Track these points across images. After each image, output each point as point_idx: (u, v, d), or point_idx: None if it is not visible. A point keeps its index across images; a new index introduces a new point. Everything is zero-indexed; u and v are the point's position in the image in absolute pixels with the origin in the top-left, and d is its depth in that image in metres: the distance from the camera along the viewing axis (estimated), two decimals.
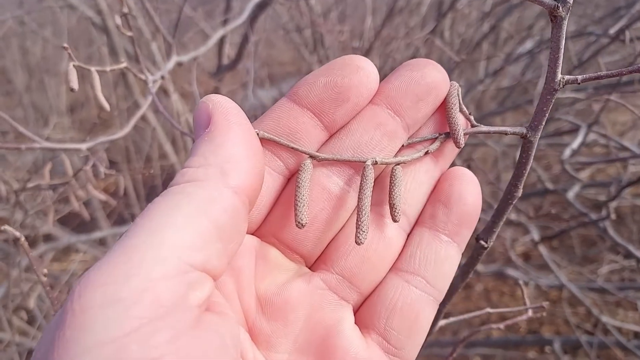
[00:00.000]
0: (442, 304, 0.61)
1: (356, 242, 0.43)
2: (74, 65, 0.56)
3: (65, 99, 3.52)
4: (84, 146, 0.76)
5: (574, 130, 1.66)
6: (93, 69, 0.59)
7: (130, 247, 0.32)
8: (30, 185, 0.87)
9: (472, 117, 0.48)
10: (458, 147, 0.47)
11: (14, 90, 3.83)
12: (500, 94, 2.67)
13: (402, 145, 0.47)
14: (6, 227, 0.53)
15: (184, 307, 0.32)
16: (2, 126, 3.13)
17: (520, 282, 0.75)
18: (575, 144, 1.36)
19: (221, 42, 1.79)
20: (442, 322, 0.64)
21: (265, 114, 0.45)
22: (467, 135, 0.48)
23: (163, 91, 2.15)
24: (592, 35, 1.59)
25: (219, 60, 1.85)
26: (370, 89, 0.44)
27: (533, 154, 0.46)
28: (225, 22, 1.42)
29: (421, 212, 0.48)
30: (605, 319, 1.49)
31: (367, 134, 0.46)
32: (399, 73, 0.45)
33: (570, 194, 1.43)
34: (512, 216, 1.77)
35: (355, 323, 0.46)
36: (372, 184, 0.45)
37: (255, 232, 0.47)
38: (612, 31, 1.23)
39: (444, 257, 0.47)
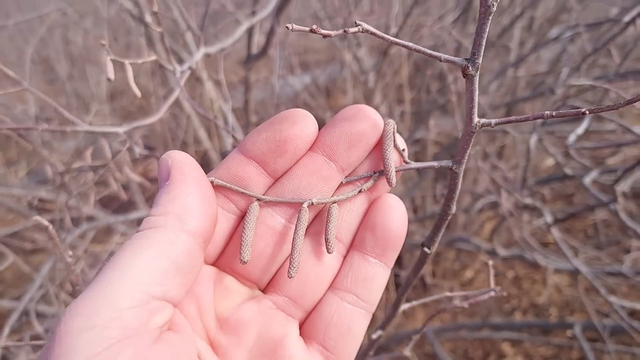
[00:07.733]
0: (402, 294, 0.70)
1: (288, 276, 0.51)
2: (110, 59, 0.64)
3: (106, 88, 3.66)
4: (121, 130, 0.84)
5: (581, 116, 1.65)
6: (127, 61, 0.67)
7: (103, 284, 0.40)
8: (74, 167, 0.96)
9: (405, 154, 0.54)
10: (390, 186, 0.53)
11: (57, 78, 4.00)
12: (533, 80, 2.65)
13: (342, 182, 0.54)
14: (37, 217, 0.62)
15: (146, 329, 0.41)
16: (47, 113, 3.29)
17: (490, 263, 0.77)
18: (581, 129, 1.37)
19: (250, 32, 1.86)
20: (405, 306, 0.72)
21: (219, 164, 0.53)
22: (400, 172, 0.55)
23: (197, 79, 2.24)
24: (609, 22, 1.56)
25: (249, 49, 1.92)
26: (307, 140, 0.51)
27: (460, 182, 0.53)
28: (253, 13, 1.48)
29: (354, 237, 0.56)
30: (613, 299, 1.50)
31: (305, 179, 0.53)
32: (335, 121, 0.52)
33: (587, 180, 1.44)
34: (527, 200, 1.79)
35: (300, 335, 0.55)
36: (306, 224, 0.53)
37: (214, 264, 0.55)
38: (626, 19, 1.24)
39: (372, 275, 0.54)
